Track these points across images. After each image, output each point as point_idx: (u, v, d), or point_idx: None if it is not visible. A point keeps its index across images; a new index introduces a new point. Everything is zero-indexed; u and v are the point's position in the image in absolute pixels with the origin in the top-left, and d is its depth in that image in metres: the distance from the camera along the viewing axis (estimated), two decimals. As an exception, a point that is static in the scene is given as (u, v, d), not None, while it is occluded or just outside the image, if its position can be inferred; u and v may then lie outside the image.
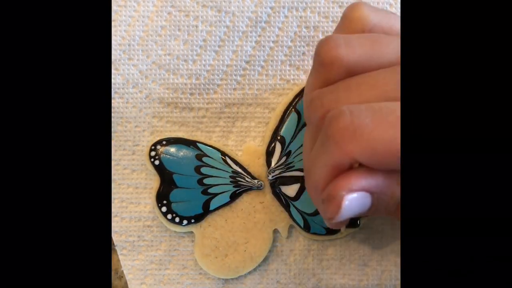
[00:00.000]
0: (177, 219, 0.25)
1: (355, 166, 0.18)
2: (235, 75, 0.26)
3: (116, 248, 0.26)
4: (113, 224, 0.26)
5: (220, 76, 0.26)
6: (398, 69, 0.18)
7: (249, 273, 0.26)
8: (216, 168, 0.25)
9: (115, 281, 0.26)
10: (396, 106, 0.17)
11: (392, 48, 0.19)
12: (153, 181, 0.26)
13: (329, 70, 0.19)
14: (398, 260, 0.26)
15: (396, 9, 0.26)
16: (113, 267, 0.26)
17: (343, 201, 0.18)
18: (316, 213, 0.25)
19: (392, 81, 0.18)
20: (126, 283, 0.26)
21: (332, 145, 0.18)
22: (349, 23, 0.20)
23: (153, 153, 0.25)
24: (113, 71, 0.26)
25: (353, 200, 0.18)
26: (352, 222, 0.25)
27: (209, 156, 0.25)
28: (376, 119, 0.17)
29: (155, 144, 0.25)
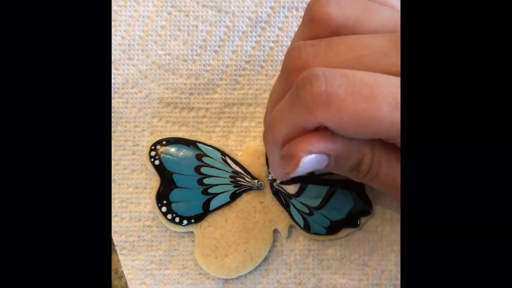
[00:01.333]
0: (177, 219, 0.25)
1: (321, 128, 0.18)
2: (235, 75, 0.26)
3: (116, 248, 0.26)
4: (113, 224, 0.26)
5: (220, 76, 0.26)
6: (380, 37, 0.19)
7: (249, 273, 0.26)
8: (216, 168, 0.25)
9: (115, 281, 0.26)
10: (370, 77, 0.17)
11: (380, 17, 0.19)
12: (153, 181, 0.26)
13: (317, 26, 0.20)
14: (398, 260, 0.26)
15: None
16: (113, 267, 0.26)
17: (301, 161, 0.18)
18: (315, 212, 0.25)
19: (372, 47, 0.18)
20: (126, 283, 0.26)
21: (302, 108, 0.18)
22: None
23: (153, 153, 0.25)
24: (113, 71, 0.26)
25: (311, 159, 0.19)
26: (352, 222, 0.25)
27: (209, 156, 0.25)
28: (349, 89, 0.17)
29: (155, 144, 0.25)
